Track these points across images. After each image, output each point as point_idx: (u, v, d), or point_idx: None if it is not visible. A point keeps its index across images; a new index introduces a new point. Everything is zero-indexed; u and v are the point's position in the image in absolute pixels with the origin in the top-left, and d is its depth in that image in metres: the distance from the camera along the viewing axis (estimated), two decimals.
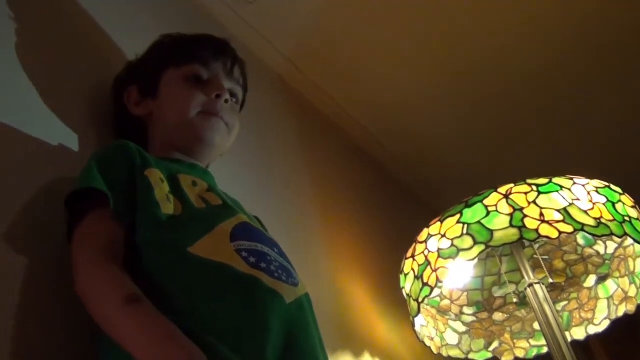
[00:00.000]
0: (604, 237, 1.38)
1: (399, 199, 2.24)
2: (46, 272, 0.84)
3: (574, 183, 1.33)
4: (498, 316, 1.59)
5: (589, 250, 1.52)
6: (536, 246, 1.51)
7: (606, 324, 1.52)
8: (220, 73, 1.09)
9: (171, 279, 0.78)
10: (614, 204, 1.30)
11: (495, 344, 1.58)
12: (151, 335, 0.68)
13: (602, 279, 1.53)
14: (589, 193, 1.31)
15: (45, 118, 0.97)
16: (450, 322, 1.57)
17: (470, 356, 1.56)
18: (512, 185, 1.34)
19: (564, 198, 1.28)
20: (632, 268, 1.44)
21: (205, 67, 1.08)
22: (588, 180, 1.35)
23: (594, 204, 1.29)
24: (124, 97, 1.08)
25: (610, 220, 1.25)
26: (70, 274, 0.79)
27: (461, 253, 1.27)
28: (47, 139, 0.94)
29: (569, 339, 1.49)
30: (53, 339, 0.80)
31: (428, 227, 1.41)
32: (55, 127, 0.97)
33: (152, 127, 1.07)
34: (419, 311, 1.37)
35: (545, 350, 1.51)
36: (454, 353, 1.55)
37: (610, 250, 1.49)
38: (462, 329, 1.58)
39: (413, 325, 1.44)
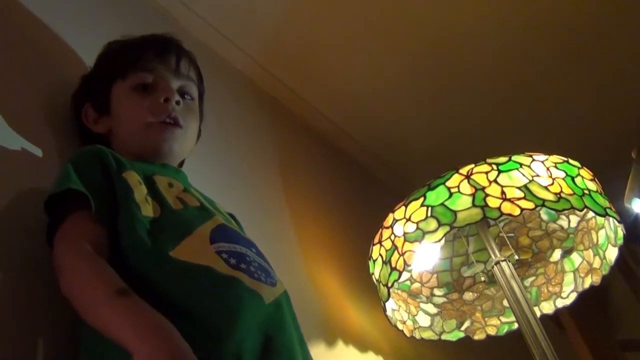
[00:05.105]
0: (566, 211, 1.40)
1: (365, 186, 2.25)
2: (18, 279, 0.83)
3: (533, 160, 1.35)
4: (468, 296, 1.61)
5: (552, 225, 1.54)
6: (501, 224, 1.53)
7: (573, 296, 1.54)
8: (165, 75, 1.07)
9: (155, 280, 0.79)
10: (573, 178, 1.32)
11: (467, 323, 1.60)
12: (143, 327, 0.69)
13: (567, 253, 1.55)
14: (548, 169, 1.33)
15: (6, 126, 0.95)
16: (422, 305, 1.58)
17: (443, 337, 1.58)
18: (472, 165, 1.35)
19: (524, 175, 1.30)
20: (595, 240, 1.47)
21: (149, 72, 1.06)
22: (546, 156, 1.37)
23: (553, 179, 1.30)
24: (82, 116, 1.07)
25: (570, 194, 1.27)
26: (47, 280, 0.79)
27: (427, 236, 1.28)
28: (9, 146, 0.93)
29: (538, 314, 1.52)
30: (30, 347, 0.80)
31: (393, 212, 1.42)
32: (16, 134, 0.96)
33: (113, 142, 1.06)
34: (389, 296, 1.38)
35: (515, 326, 1.53)
36: (426, 335, 1.56)
37: (573, 224, 1.52)
38: (434, 310, 1.59)
39: (384, 310, 1.45)
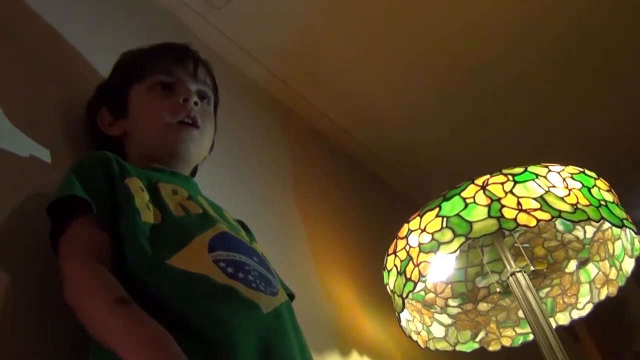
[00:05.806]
0: (582, 222, 1.39)
1: (379, 196, 2.24)
2: (25, 287, 0.83)
3: (549, 170, 1.34)
4: (483, 306, 1.60)
5: (568, 236, 1.53)
6: (516, 235, 1.52)
7: (589, 307, 1.53)
8: (183, 77, 1.08)
9: (153, 287, 0.79)
10: (589, 189, 1.32)
11: (481, 334, 1.59)
12: (140, 336, 0.69)
13: (583, 264, 1.54)
14: (564, 180, 1.32)
15: (16, 134, 0.96)
16: (436, 315, 1.58)
17: (457, 348, 1.57)
18: (488, 176, 1.34)
19: (540, 186, 1.29)
20: (611, 251, 1.46)
21: (167, 74, 1.07)
22: (563, 167, 1.36)
23: (569, 190, 1.30)
24: (97, 120, 1.07)
25: (587, 205, 1.26)
26: (52, 286, 0.79)
27: (442, 246, 1.28)
28: (19, 153, 0.94)
29: (554, 325, 1.51)
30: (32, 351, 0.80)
31: (408, 222, 1.42)
32: (26, 142, 0.96)
33: (128, 144, 1.06)
34: (403, 307, 1.38)
35: (531, 337, 1.52)
36: (441, 346, 1.55)
37: (589, 235, 1.51)
38: (448, 321, 1.59)
39: (399, 321, 1.45)
